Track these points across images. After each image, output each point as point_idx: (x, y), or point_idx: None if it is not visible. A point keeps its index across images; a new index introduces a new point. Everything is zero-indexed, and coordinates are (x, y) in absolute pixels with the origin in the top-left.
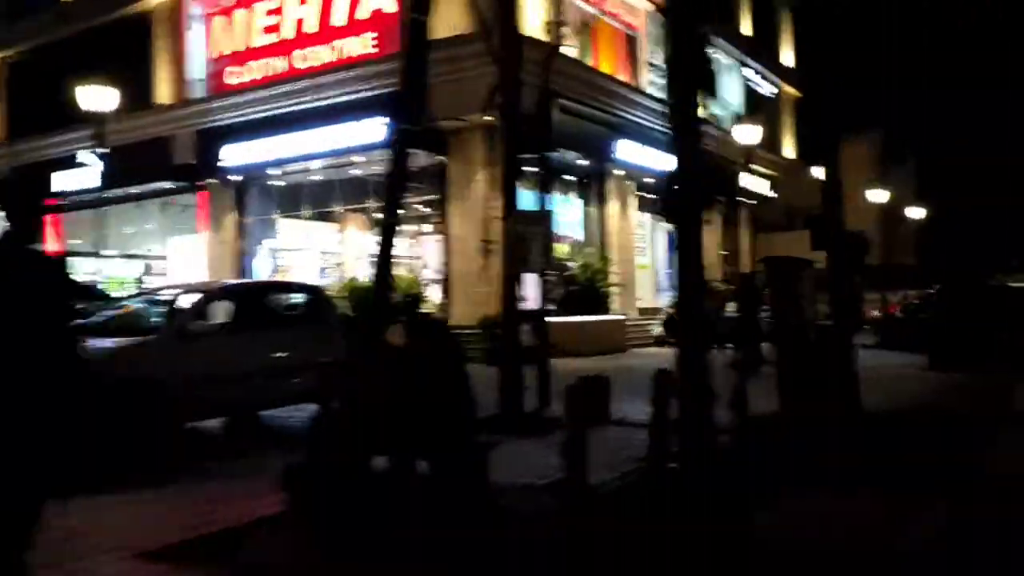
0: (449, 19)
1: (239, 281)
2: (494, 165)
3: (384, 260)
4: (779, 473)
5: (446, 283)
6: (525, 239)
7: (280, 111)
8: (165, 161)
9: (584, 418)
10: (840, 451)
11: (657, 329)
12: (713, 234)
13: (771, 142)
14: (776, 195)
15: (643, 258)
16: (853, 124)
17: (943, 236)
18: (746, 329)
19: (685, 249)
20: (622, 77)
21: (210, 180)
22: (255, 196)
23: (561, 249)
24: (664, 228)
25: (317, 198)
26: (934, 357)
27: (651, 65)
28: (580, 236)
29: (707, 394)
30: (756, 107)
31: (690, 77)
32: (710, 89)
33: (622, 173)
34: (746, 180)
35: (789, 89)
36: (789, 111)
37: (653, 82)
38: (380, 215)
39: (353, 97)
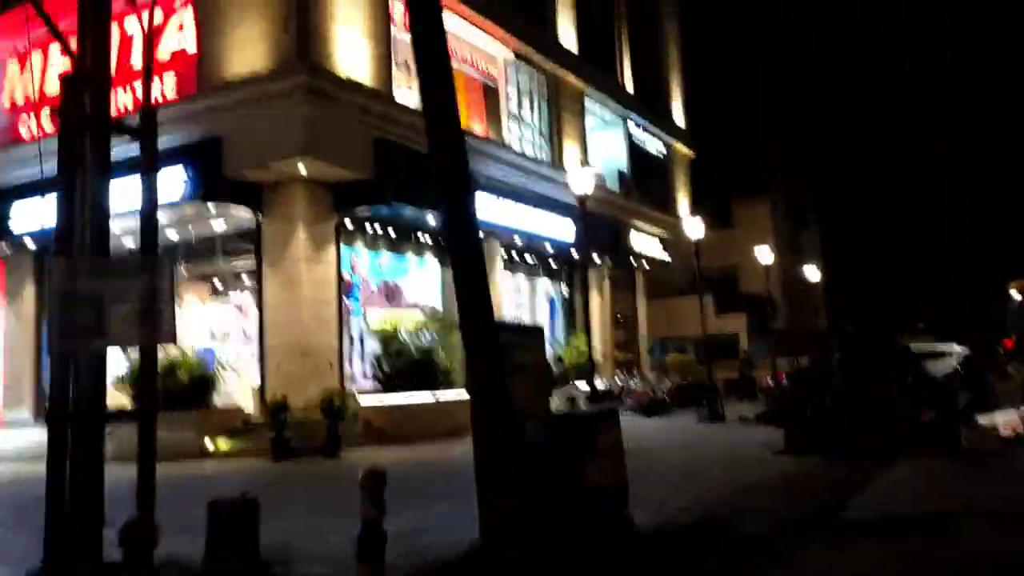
0: (249, 58)
1: None
2: (318, 222)
3: None
4: None
5: (262, 361)
6: None
7: None
8: None
9: None
10: None
11: None
12: (602, 297)
13: (663, 201)
14: (669, 258)
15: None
16: (752, 185)
17: (849, 298)
18: None
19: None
20: (477, 128)
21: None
22: None
23: (407, 319)
24: (546, 292)
25: None
26: (789, 436)
27: (515, 117)
28: (437, 303)
29: None
30: (645, 166)
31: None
32: (582, 143)
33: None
34: (637, 241)
35: (682, 148)
36: (683, 170)
37: (520, 135)
38: (217, 280)
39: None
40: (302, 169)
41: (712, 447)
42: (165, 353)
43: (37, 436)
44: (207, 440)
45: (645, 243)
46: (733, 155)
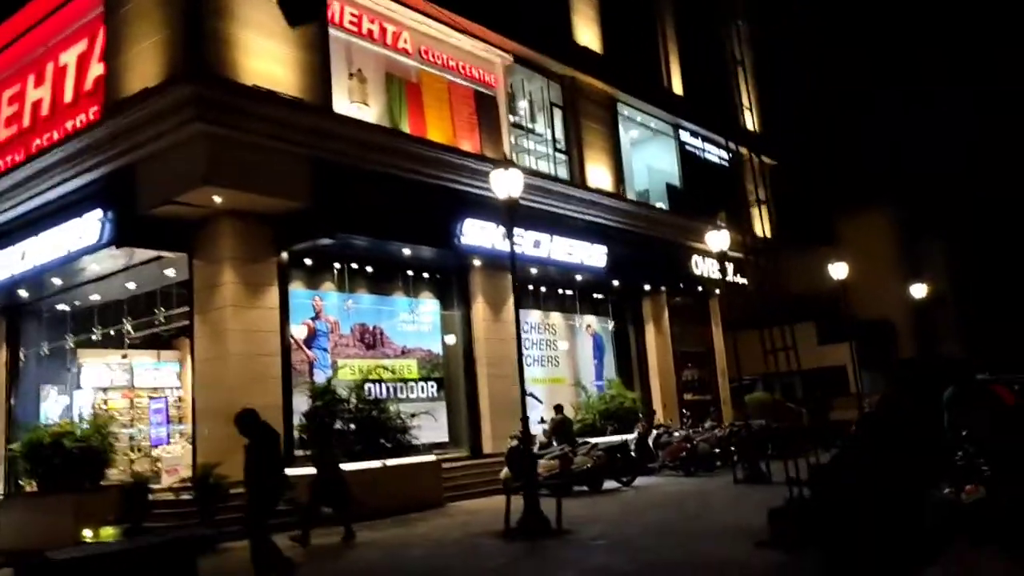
0: (144, 71)
1: None
2: (252, 262)
3: None
4: None
5: (194, 426)
6: None
7: (13, 213)
8: None
9: None
10: None
11: (505, 470)
12: (660, 331)
13: (735, 219)
14: (746, 282)
15: (554, 369)
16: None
17: (991, 322)
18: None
19: None
20: (466, 145)
21: None
22: (35, 323)
23: (397, 367)
24: (588, 328)
25: (107, 320)
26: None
27: (519, 128)
28: (436, 347)
29: None
30: (707, 176)
31: None
32: (613, 155)
33: (503, 265)
34: (702, 264)
35: (755, 156)
36: (756, 180)
37: (526, 148)
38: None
39: (75, 185)
40: (216, 200)
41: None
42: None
43: None
44: (86, 530)
45: (714, 267)
46: (836, 165)
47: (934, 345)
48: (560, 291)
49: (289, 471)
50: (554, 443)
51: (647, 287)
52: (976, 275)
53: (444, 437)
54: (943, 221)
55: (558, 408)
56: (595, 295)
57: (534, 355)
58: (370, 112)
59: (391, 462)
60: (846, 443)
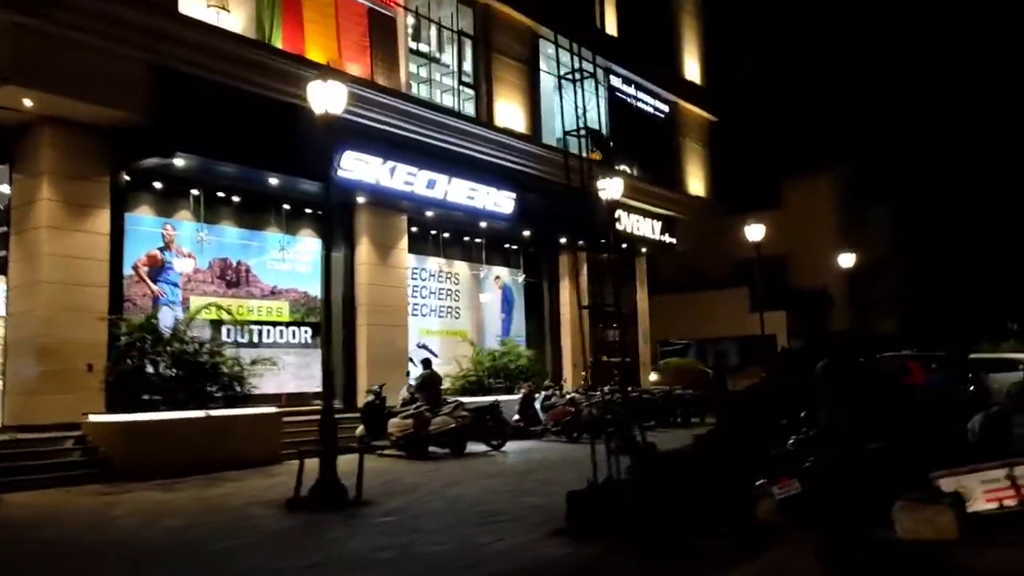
0: None
1: None
2: (78, 179)
3: None
4: None
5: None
6: None
7: None
8: None
9: None
10: None
11: (360, 427)
12: (576, 289)
13: (667, 175)
14: (676, 242)
15: (454, 321)
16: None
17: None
18: None
19: None
20: (355, 69)
21: None
22: None
23: (265, 308)
24: (496, 281)
25: None
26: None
27: (421, 56)
28: (314, 290)
29: None
30: (639, 127)
31: None
32: (530, 95)
33: (393, 205)
34: (628, 222)
35: (695, 109)
36: (697, 136)
37: (428, 79)
38: None
39: None
40: (27, 104)
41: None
42: None
43: None
44: None
45: (640, 224)
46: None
47: (867, 317)
48: (467, 239)
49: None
50: (418, 400)
51: (563, 240)
52: (919, 247)
53: (317, 387)
54: (890, 190)
55: (425, 363)
56: (507, 245)
57: (431, 305)
58: (232, 19)
59: (217, 413)
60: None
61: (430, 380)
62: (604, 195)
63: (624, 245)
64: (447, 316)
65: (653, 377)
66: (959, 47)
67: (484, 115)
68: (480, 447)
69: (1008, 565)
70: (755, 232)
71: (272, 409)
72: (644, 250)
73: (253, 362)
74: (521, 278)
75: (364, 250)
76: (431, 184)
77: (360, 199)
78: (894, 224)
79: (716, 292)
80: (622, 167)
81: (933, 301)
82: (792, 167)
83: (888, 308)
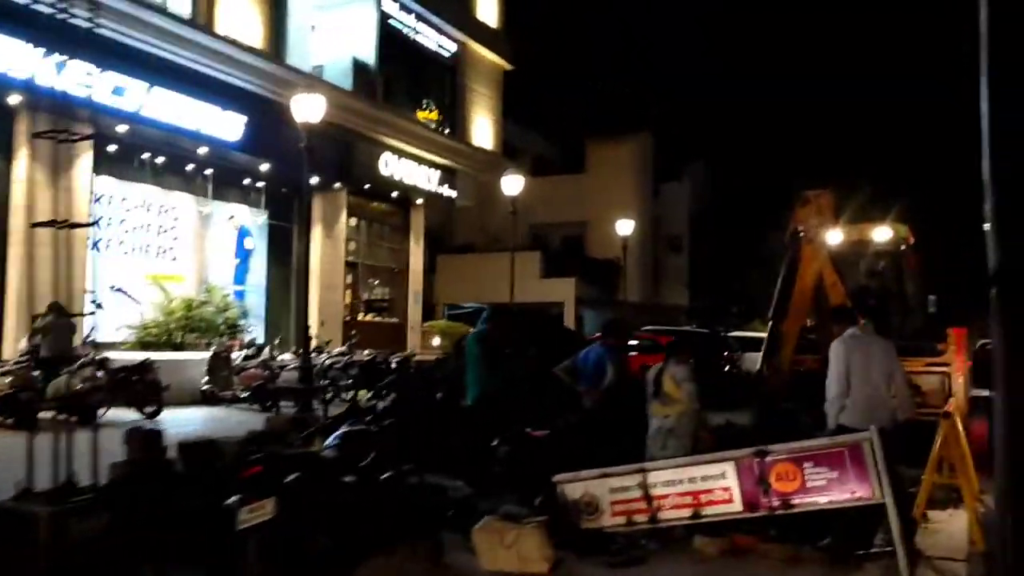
0: None
1: None
2: None
3: None
4: None
5: None
6: None
7: None
8: None
9: None
10: None
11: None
12: (331, 237)
13: (448, 122)
14: (455, 195)
15: (169, 263)
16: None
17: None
18: None
19: None
20: None
21: None
22: None
23: None
24: (231, 220)
25: None
26: None
27: None
28: None
29: None
30: (415, 63)
31: None
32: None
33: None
34: (400, 168)
35: (487, 54)
36: (487, 84)
37: None
38: None
39: None
40: None
41: None
42: None
43: None
44: None
45: (413, 171)
46: (591, 84)
47: (656, 288)
48: (191, 167)
49: None
50: (43, 352)
51: (315, 180)
52: (711, 221)
53: None
54: (690, 157)
55: (54, 307)
56: (248, 181)
57: (134, 241)
58: None
59: None
60: None
61: (54, 327)
62: (298, 116)
63: (395, 194)
64: (159, 256)
65: (437, 342)
66: None
67: (203, 17)
68: (133, 415)
69: None
70: (512, 185)
71: None
72: (420, 201)
73: None
74: (263, 219)
75: (25, 164)
76: (119, 91)
77: (15, 99)
78: (691, 197)
79: (509, 255)
80: (388, 105)
81: (723, 273)
82: (598, 129)
83: (681, 279)
